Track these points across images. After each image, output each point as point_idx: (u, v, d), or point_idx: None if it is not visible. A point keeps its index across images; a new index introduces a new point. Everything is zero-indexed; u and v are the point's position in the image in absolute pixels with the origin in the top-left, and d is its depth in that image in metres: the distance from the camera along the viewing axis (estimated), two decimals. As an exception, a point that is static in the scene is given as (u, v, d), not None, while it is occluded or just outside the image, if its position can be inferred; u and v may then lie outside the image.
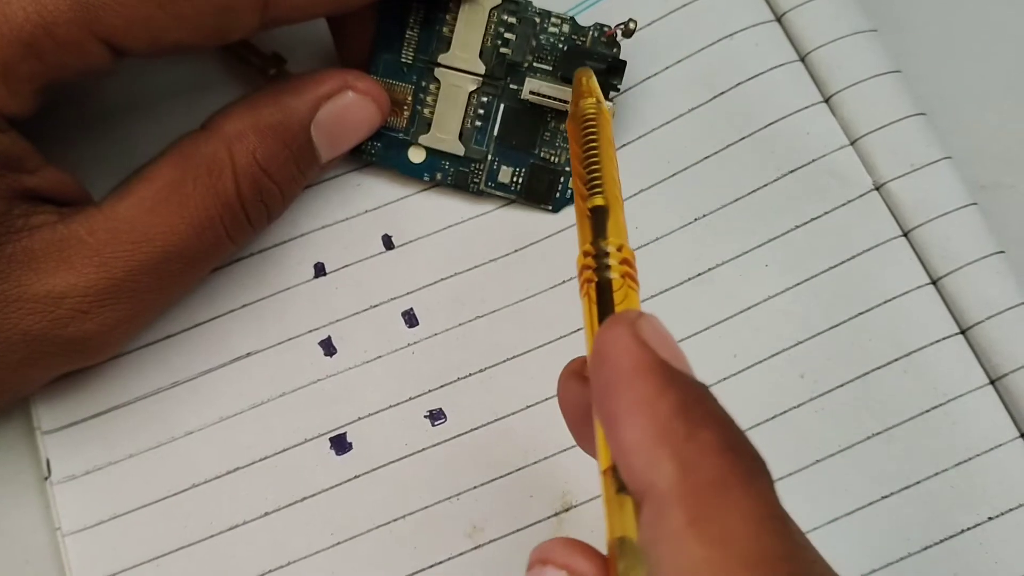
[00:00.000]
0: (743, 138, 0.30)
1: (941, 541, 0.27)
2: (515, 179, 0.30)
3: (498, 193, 0.30)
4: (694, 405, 0.18)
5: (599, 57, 0.29)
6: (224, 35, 0.26)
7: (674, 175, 0.30)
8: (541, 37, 0.30)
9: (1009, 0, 0.32)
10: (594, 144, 0.24)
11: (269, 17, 0.26)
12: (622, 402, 0.18)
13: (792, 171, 0.30)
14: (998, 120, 0.31)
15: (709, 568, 0.16)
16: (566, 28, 0.30)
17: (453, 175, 0.30)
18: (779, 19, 0.31)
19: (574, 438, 0.23)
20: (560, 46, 0.30)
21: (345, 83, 0.28)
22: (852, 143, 0.30)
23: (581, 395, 0.21)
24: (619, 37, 0.29)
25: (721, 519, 0.17)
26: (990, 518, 0.27)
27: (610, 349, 0.19)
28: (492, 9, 0.30)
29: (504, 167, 0.30)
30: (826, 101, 0.30)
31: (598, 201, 0.22)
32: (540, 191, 0.30)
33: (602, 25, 0.29)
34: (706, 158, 0.30)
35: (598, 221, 0.22)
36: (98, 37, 0.24)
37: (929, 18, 0.32)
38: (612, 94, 0.29)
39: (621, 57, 0.29)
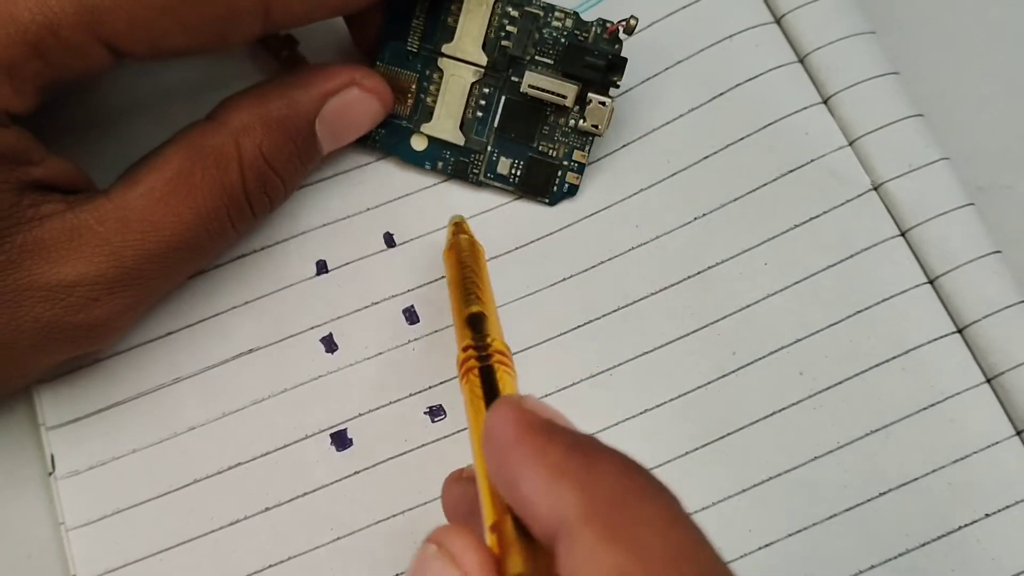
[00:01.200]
0: (743, 138, 0.30)
1: (939, 538, 0.27)
2: (513, 171, 0.30)
3: (496, 184, 0.30)
4: (585, 444, 0.19)
5: (600, 53, 0.30)
6: (226, 41, 0.26)
7: (674, 174, 0.30)
8: (544, 31, 0.30)
9: (1006, 2, 0.32)
10: (468, 268, 0.28)
11: (271, 23, 0.26)
12: (515, 462, 0.19)
13: (791, 171, 0.30)
14: (995, 121, 0.31)
15: (624, 572, 0.17)
16: (569, 23, 0.30)
17: (453, 165, 0.31)
18: (778, 21, 0.31)
19: None
20: (562, 40, 0.30)
21: (352, 79, 0.29)
22: (850, 143, 0.30)
23: (463, 495, 0.23)
24: (621, 34, 0.30)
25: (628, 528, 0.18)
26: (987, 515, 0.27)
27: (497, 423, 0.20)
28: (496, 2, 0.30)
29: (503, 158, 0.30)
30: (825, 102, 0.30)
31: (475, 309, 0.26)
32: (538, 184, 0.30)
33: (604, 21, 0.30)
34: (706, 158, 0.30)
35: (476, 324, 0.25)
36: (101, 40, 0.25)
37: (927, 20, 0.32)
38: (612, 91, 0.30)
39: (622, 55, 0.29)
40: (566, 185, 0.30)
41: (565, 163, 0.30)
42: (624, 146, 0.31)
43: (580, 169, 0.30)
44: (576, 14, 0.30)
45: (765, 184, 0.30)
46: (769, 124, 0.30)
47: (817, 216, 0.29)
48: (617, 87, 0.30)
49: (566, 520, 0.18)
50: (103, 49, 0.25)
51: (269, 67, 0.32)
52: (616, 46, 0.30)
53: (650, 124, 0.31)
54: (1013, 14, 0.32)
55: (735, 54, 0.31)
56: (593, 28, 0.30)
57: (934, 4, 0.32)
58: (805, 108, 0.30)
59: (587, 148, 0.30)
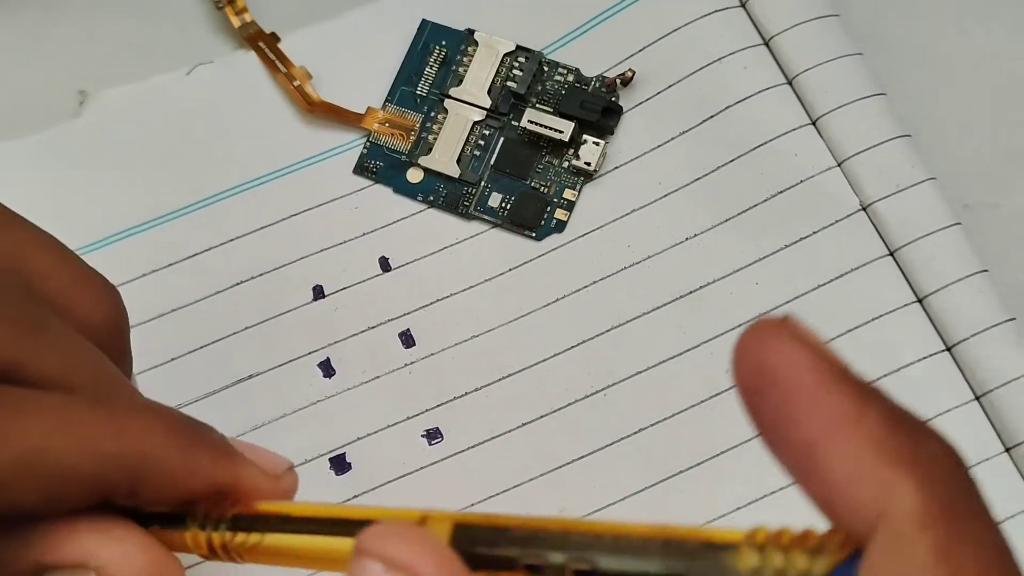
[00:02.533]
0: (733, 160, 0.31)
1: (930, 554, 0.27)
2: (503, 204, 0.31)
3: (485, 217, 0.31)
4: (902, 415, 0.15)
5: (597, 101, 0.31)
6: None
7: (666, 196, 0.31)
8: (547, 83, 0.32)
9: (989, 23, 0.33)
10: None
11: None
12: (819, 426, 0.15)
13: (781, 192, 0.30)
14: (981, 140, 0.32)
15: None
16: (571, 77, 0.32)
17: (446, 197, 0.31)
18: (767, 43, 0.31)
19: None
20: (563, 92, 0.32)
21: (85, 559, 0.19)
22: (839, 164, 0.30)
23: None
24: (618, 86, 0.31)
25: (969, 546, 0.14)
26: (977, 531, 0.27)
27: (786, 356, 0.15)
28: (506, 55, 0.32)
29: (495, 193, 0.31)
30: (813, 123, 0.31)
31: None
32: (526, 217, 0.31)
33: (604, 76, 0.31)
34: (697, 179, 0.31)
35: (186, 511, 0.20)
36: None
37: (912, 42, 0.33)
38: (608, 136, 0.31)
39: (619, 104, 0.31)
40: (554, 221, 0.31)
41: (555, 200, 0.31)
42: (616, 168, 0.31)
43: (569, 206, 0.31)
44: (577, 70, 0.32)
45: (755, 205, 0.30)
46: (759, 146, 0.31)
47: (807, 236, 0.30)
48: (612, 132, 0.31)
49: (894, 518, 0.14)
50: None
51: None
52: (613, 97, 0.31)
53: (642, 146, 0.31)
54: (997, 36, 0.33)
55: (724, 77, 0.31)
56: (593, 82, 0.32)
57: (919, 26, 0.33)
58: (794, 130, 0.31)
59: (578, 187, 0.31)
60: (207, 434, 0.21)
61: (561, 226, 0.31)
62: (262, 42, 0.33)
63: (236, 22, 0.33)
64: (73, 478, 0.19)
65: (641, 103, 0.32)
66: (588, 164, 0.31)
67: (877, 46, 0.32)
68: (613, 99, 0.31)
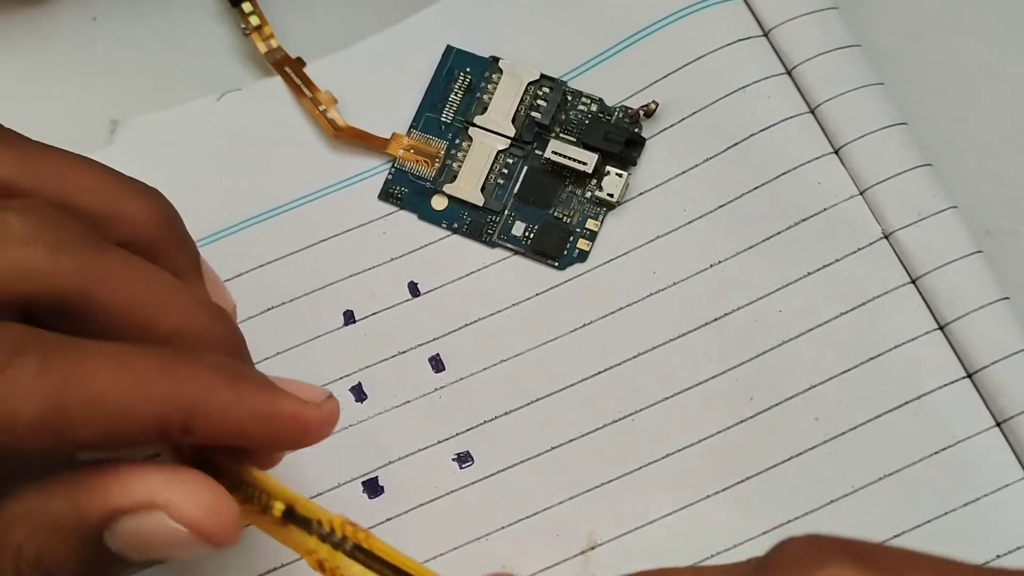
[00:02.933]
0: (756, 187, 0.31)
1: (951, 578, 0.28)
2: (527, 233, 0.31)
3: (508, 245, 0.31)
4: None
5: (621, 132, 0.31)
6: None
7: (690, 223, 0.31)
8: (571, 113, 0.32)
9: (1009, 51, 0.33)
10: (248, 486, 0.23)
11: None
12: None
13: (804, 220, 0.31)
14: (1002, 167, 0.32)
15: None
16: (594, 107, 0.32)
17: (470, 225, 0.32)
18: (790, 72, 0.32)
19: None
20: (586, 122, 0.32)
21: (154, 498, 0.21)
22: (861, 193, 0.31)
23: None
24: (641, 117, 0.32)
25: None
26: (999, 556, 0.28)
27: None
28: (530, 83, 0.32)
29: (519, 222, 0.31)
30: (836, 152, 0.31)
31: (279, 507, 0.23)
32: (549, 246, 0.31)
33: (627, 107, 0.32)
34: (721, 207, 0.31)
35: (295, 520, 0.22)
36: None
37: (933, 71, 0.33)
38: (631, 168, 0.31)
39: (643, 135, 0.32)
40: (576, 250, 0.31)
41: (578, 230, 0.31)
42: (641, 194, 0.32)
43: (592, 236, 0.31)
44: (601, 100, 0.32)
45: (779, 232, 0.31)
46: (782, 174, 0.31)
47: (830, 264, 0.30)
48: (635, 164, 0.31)
49: None
50: None
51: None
52: (636, 128, 0.32)
53: (666, 173, 0.32)
54: (1017, 64, 0.33)
55: (748, 105, 0.32)
56: (616, 112, 0.32)
57: (940, 55, 0.33)
58: (817, 158, 0.31)
59: (600, 218, 0.31)
60: (249, 371, 0.23)
61: (584, 256, 0.31)
62: (288, 67, 0.34)
63: (263, 48, 0.34)
64: (131, 416, 0.21)
65: (664, 130, 0.32)
66: (611, 195, 0.31)
67: (899, 76, 0.32)
68: (636, 130, 0.32)
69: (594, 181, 0.32)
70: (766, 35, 0.32)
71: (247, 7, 0.34)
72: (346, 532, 0.22)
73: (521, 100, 0.32)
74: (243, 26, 0.34)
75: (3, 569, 0.21)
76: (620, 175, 0.31)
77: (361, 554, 0.22)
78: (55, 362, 0.20)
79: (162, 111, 0.33)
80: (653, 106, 0.32)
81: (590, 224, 0.31)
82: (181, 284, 0.24)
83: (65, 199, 0.23)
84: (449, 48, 0.33)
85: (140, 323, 0.22)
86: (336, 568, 0.22)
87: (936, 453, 0.29)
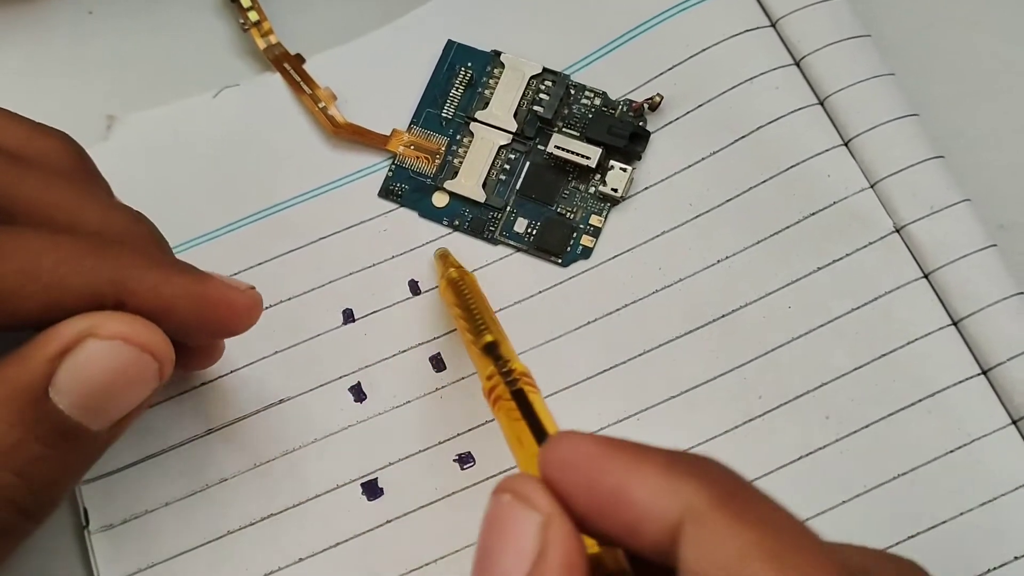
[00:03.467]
0: (765, 181, 0.30)
1: (967, 581, 0.27)
2: (529, 230, 0.31)
3: (511, 243, 0.31)
4: (678, 453, 0.20)
5: (625, 126, 0.31)
6: None
7: (697, 217, 0.31)
8: (574, 107, 0.31)
9: (1020, 41, 0.33)
10: (472, 300, 0.28)
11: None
12: (617, 470, 0.19)
13: (813, 213, 0.30)
14: (1016, 160, 0.32)
15: (761, 547, 0.18)
16: (597, 101, 0.32)
17: (471, 222, 0.31)
18: (798, 63, 0.31)
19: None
20: (590, 116, 0.31)
21: (85, 330, 0.23)
22: (872, 186, 0.30)
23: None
24: (646, 111, 0.31)
25: (756, 509, 0.19)
26: (1016, 557, 0.27)
27: (574, 444, 0.20)
28: (532, 77, 0.32)
29: (520, 218, 0.31)
30: (846, 144, 0.30)
31: (488, 338, 0.26)
32: (552, 243, 0.31)
33: (631, 100, 0.31)
34: (729, 200, 0.31)
35: (493, 351, 0.26)
36: None
37: (944, 61, 0.33)
38: (635, 162, 0.31)
39: (647, 129, 0.31)
40: (580, 247, 0.31)
41: (581, 226, 0.31)
42: (646, 188, 0.31)
43: (596, 233, 0.31)
44: (604, 93, 0.31)
45: (788, 227, 0.30)
46: (791, 167, 0.30)
47: (840, 259, 0.30)
48: (639, 158, 0.30)
49: (693, 508, 0.18)
50: None
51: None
52: (640, 122, 0.31)
53: (673, 167, 0.31)
54: (1030, 53, 0.33)
55: (756, 97, 0.31)
56: (620, 106, 0.31)
57: (951, 45, 0.33)
58: (826, 151, 0.30)
59: (604, 213, 0.31)
60: (175, 259, 0.25)
61: (587, 252, 0.30)
62: (287, 64, 0.33)
63: (261, 44, 0.33)
64: (65, 286, 0.23)
65: (670, 123, 0.31)
66: (615, 190, 0.30)
67: (909, 66, 0.32)
68: (641, 124, 0.31)
69: (598, 176, 0.31)
70: (773, 25, 0.31)
71: (245, 2, 0.34)
72: (519, 379, 0.25)
73: (523, 95, 0.32)
74: (241, 21, 0.33)
75: None
76: (624, 169, 0.31)
77: (518, 399, 0.25)
78: None
79: (159, 107, 0.32)
80: (658, 99, 0.31)
81: (594, 220, 0.31)
82: (98, 192, 0.26)
83: None
84: (450, 43, 0.33)
85: (62, 226, 0.24)
86: (497, 395, 0.25)
87: (951, 452, 0.28)
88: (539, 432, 0.23)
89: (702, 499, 0.18)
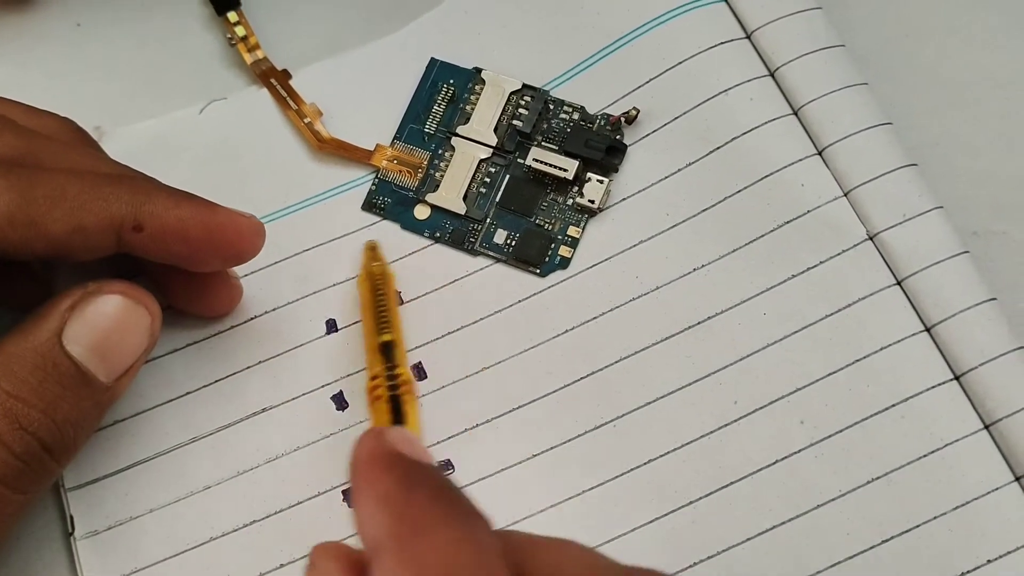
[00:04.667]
0: (740, 190, 0.31)
1: (941, 584, 0.27)
2: (509, 241, 0.31)
3: (491, 253, 0.31)
4: (413, 475, 0.20)
5: (602, 139, 0.31)
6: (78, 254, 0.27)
7: (674, 227, 0.31)
8: (552, 121, 0.32)
9: (994, 50, 0.33)
10: (383, 296, 0.30)
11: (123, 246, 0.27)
12: (356, 487, 0.21)
13: (788, 222, 0.30)
14: (988, 168, 0.32)
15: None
16: (576, 115, 0.32)
17: (452, 233, 0.32)
18: (772, 74, 0.32)
19: None
20: (568, 130, 0.32)
21: (90, 289, 0.27)
22: (846, 194, 0.30)
23: None
24: (623, 124, 0.32)
25: (420, 552, 0.19)
26: (989, 561, 0.27)
27: (356, 451, 0.21)
28: (512, 93, 0.32)
29: (500, 230, 0.31)
30: (819, 153, 0.31)
31: (386, 337, 0.29)
32: (531, 254, 0.31)
33: (608, 114, 0.32)
34: (704, 210, 0.31)
35: (387, 353, 0.29)
36: None
37: (918, 71, 0.33)
38: (612, 174, 0.31)
39: (624, 142, 0.32)
40: (558, 257, 0.31)
41: (559, 237, 0.31)
42: (624, 199, 0.31)
43: (573, 243, 0.31)
44: (583, 108, 0.32)
45: (763, 235, 0.30)
46: (765, 176, 0.31)
47: (814, 266, 0.30)
48: (616, 170, 0.31)
49: (378, 545, 0.19)
50: None
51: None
52: (617, 135, 0.32)
53: (649, 178, 0.31)
54: (1003, 61, 0.33)
55: (731, 108, 0.31)
56: (598, 120, 0.32)
57: (925, 55, 0.33)
58: (800, 160, 0.31)
59: (582, 224, 0.31)
60: (184, 192, 0.28)
61: (565, 263, 0.31)
62: (274, 79, 0.34)
63: (248, 59, 0.34)
64: (89, 210, 0.26)
65: (648, 135, 0.32)
66: (592, 202, 0.31)
67: (883, 76, 0.32)
68: (617, 137, 0.32)
69: (575, 188, 0.31)
70: (748, 37, 0.32)
71: (233, 17, 0.34)
72: (401, 385, 0.28)
73: (503, 110, 0.32)
74: (229, 36, 0.34)
75: None
76: (601, 181, 0.31)
77: (394, 403, 0.28)
78: (16, 170, 0.26)
79: (147, 120, 0.33)
80: (634, 113, 0.31)
81: (572, 231, 0.31)
82: (105, 155, 0.29)
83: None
84: (433, 60, 0.33)
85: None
86: (377, 396, 0.28)
87: (924, 456, 0.28)
88: None
89: (384, 539, 0.19)
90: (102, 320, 0.26)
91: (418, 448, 0.22)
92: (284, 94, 0.34)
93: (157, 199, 0.27)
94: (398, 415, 0.26)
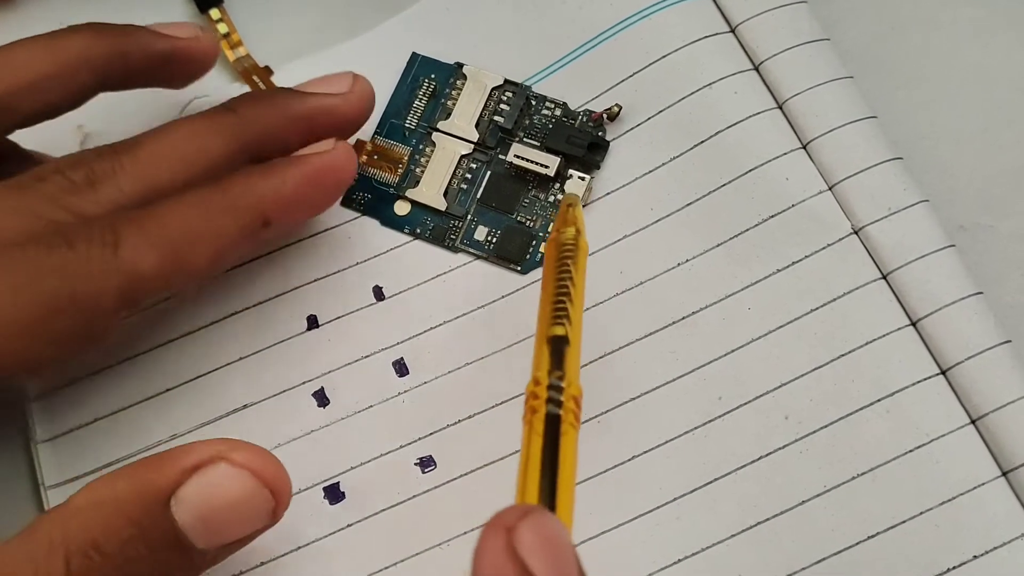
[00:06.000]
0: (724, 185, 0.31)
1: (927, 580, 0.27)
2: (489, 238, 0.31)
3: (471, 250, 0.31)
4: None
5: (584, 136, 0.31)
6: (95, 338, 0.26)
7: (658, 221, 0.31)
8: (534, 117, 0.32)
9: (980, 44, 0.33)
10: (568, 274, 0.24)
11: (138, 306, 0.27)
12: None
13: (772, 216, 0.30)
14: (974, 161, 0.32)
15: None
16: (558, 112, 0.32)
17: (432, 230, 0.31)
18: (757, 68, 0.31)
19: None
20: (550, 126, 0.32)
21: (218, 453, 0.24)
22: (830, 188, 0.30)
23: None
24: (605, 120, 0.31)
25: None
26: (975, 556, 0.27)
27: (479, 556, 0.19)
28: (493, 88, 0.32)
29: (481, 226, 0.31)
30: (804, 147, 0.31)
31: (560, 331, 0.23)
32: (512, 251, 0.31)
33: (590, 111, 0.32)
34: (688, 204, 0.31)
35: (557, 352, 0.23)
36: None
37: (903, 64, 0.33)
38: (594, 171, 0.31)
39: (606, 139, 0.31)
40: (539, 255, 0.31)
41: (541, 234, 0.31)
42: (608, 194, 0.31)
43: None
44: (565, 104, 0.32)
45: (747, 230, 0.30)
46: (750, 170, 0.30)
47: (799, 261, 0.30)
48: (598, 167, 0.31)
49: None
50: None
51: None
52: (600, 132, 0.31)
53: (633, 172, 0.31)
54: (988, 55, 0.33)
55: (715, 102, 0.31)
56: (580, 116, 0.31)
57: (910, 48, 0.33)
58: (785, 154, 0.30)
59: None
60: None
61: None
62: (256, 76, 0.34)
63: (231, 56, 0.34)
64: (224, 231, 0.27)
65: (632, 128, 0.32)
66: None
67: (868, 69, 0.32)
68: (600, 134, 0.31)
69: (557, 185, 0.31)
70: (733, 31, 0.32)
71: (215, 14, 0.34)
72: (567, 405, 0.22)
73: (485, 106, 0.32)
74: (211, 34, 0.34)
75: (76, 552, 0.23)
76: (583, 178, 0.31)
77: (550, 428, 0.22)
78: (146, 223, 0.26)
79: (129, 118, 0.33)
80: (616, 109, 0.31)
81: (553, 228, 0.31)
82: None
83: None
84: (415, 55, 0.33)
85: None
86: (533, 408, 0.22)
87: (910, 452, 0.28)
88: (549, 476, 0.21)
89: None
90: (219, 493, 0.24)
91: (560, 556, 0.18)
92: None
93: (269, 185, 0.28)
94: (553, 446, 0.21)
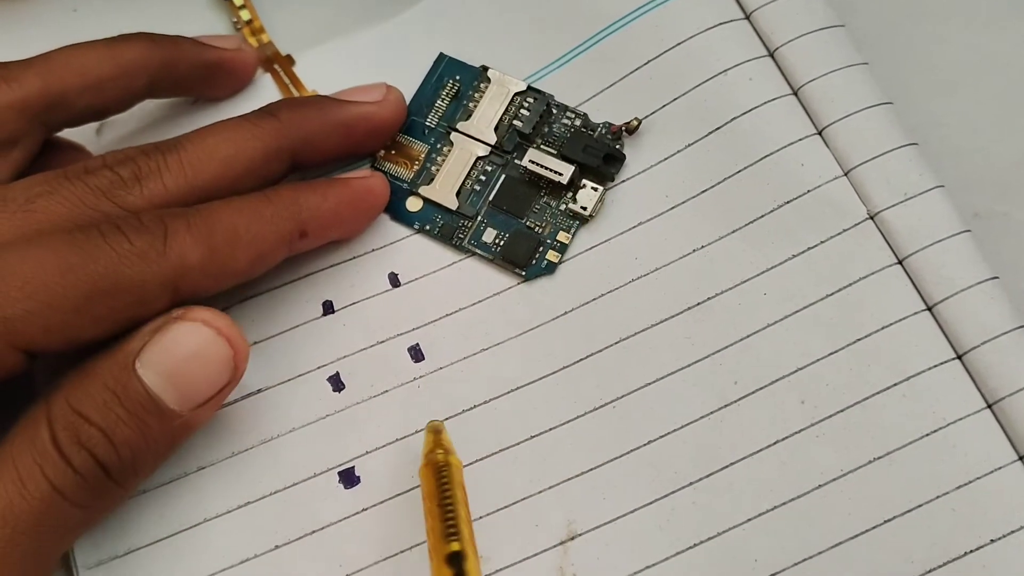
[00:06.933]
0: (739, 171, 0.31)
1: (944, 564, 0.27)
2: (497, 240, 0.31)
3: (478, 251, 0.31)
4: None
5: (600, 147, 0.31)
6: (136, 322, 0.26)
7: (673, 208, 0.31)
8: (554, 126, 0.32)
9: (996, 30, 0.33)
10: (449, 492, 0.27)
11: (180, 299, 0.27)
12: None
13: (788, 202, 0.30)
14: (990, 148, 0.32)
15: None
16: (578, 122, 0.32)
17: (441, 227, 0.31)
18: (772, 54, 0.31)
19: None
20: (568, 136, 0.32)
21: (173, 315, 0.26)
22: (846, 173, 0.30)
23: None
24: (624, 134, 0.31)
25: None
26: (992, 540, 0.27)
27: None
28: (516, 94, 0.32)
29: (490, 228, 0.31)
30: (819, 133, 0.31)
31: (455, 547, 0.25)
32: (518, 254, 0.31)
33: (609, 123, 0.32)
34: (704, 191, 0.31)
35: (456, 564, 0.25)
36: (16, 347, 0.25)
37: (919, 49, 0.33)
38: (608, 183, 0.31)
39: (623, 152, 0.31)
40: (544, 261, 0.31)
41: (548, 240, 0.31)
42: (623, 181, 0.31)
43: (562, 249, 0.31)
44: (585, 114, 0.32)
45: (762, 216, 0.30)
46: (765, 156, 0.31)
47: (815, 246, 0.30)
48: (612, 179, 0.31)
49: None
50: (18, 355, 0.25)
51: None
52: (618, 145, 0.31)
53: (649, 160, 0.31)
54: (1005, 42, 0.33)
55: (730, 89, 0.31)
56: (599, 128, 0.32)
57: (926, 33, 0.33)
58: (800, 140, 0.30)
59: (572, 231, 0.31)
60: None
61: (552, 268, 0.31)
62: (277, 64, 0.34)
63: (254, 43, 0.34)
64: (264, 238, 0.28)
65: (647, 116, 0.32)
66: (584, 209, 0.31)
67: (883, 55, 0.32)
68: (617, 146, 0.31)
69: (569, 194, 0.31)
70: (747, 17, 0.32)
71: (237, 1, 0.34)
72: None
73: (506, 110, 0.32)
74: (234, 20, 0.34)
75: (58, 419, 0.25)
76: (596, 189, 0.31)
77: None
78: (194, 219, 0.27)
79: (142, 109, 0.33)
80: (635, 123, 0.31)
81: (562, 236, 0.31)
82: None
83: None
84: (441, 56, 0.33)
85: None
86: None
87: (926, 436, 0.28)
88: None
89: None
90: (179, 348, 0.26)
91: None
92: (287, 80, 0.33)
93: (310, 200, 0.29)
94: None
